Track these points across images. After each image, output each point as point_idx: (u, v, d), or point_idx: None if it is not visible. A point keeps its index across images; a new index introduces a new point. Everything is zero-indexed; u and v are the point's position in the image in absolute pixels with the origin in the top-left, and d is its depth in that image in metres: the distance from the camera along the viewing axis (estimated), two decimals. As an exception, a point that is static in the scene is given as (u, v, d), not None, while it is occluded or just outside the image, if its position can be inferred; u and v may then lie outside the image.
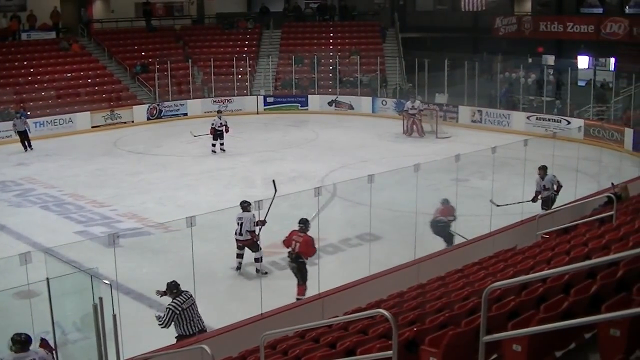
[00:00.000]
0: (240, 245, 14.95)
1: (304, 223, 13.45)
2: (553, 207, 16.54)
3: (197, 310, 10.86)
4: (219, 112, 28.41)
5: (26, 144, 27.69)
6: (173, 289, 10.87)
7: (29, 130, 28.02)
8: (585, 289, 6.90)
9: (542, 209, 16.69)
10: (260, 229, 14.67)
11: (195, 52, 38.58)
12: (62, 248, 13.54)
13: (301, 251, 13.32)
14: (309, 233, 13.33)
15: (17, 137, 27.88)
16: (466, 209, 17.67)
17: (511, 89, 32.38)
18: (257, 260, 14.89)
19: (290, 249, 13.47)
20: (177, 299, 10.77)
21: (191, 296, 10.82)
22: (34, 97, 32.41)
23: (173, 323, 10.78)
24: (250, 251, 14.88)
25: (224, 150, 26.84)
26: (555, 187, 17.08)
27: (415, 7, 45.10)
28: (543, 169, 16.97)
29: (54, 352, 9.41)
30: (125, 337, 9.56)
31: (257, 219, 14.52)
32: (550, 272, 6.97)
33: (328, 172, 23.32)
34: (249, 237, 14.75)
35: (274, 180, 15.22)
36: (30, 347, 8.79)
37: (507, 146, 17.91)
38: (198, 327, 10.82)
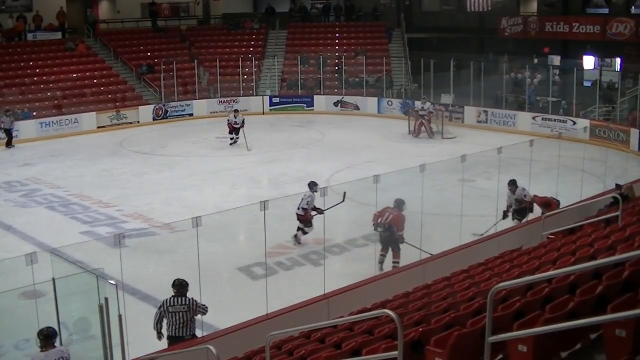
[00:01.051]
0: (298, 219, 16.44)
1: (399, 203, 14.89)
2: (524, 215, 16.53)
3: (189, 318, 10.52)
4: (236, 111, 28.91)
5: (8, 140, 28.24)
6: (175, 286, 10.70)
7: (13, 129, 28.43)
8: (591, 289, 6.88)
9: (515, 219, 16.62)
10: (315, 214, 16.09)
11: (201, 53, 38.64)
12: (68, 248, 13.57)
13: (393, 223, 14.59)
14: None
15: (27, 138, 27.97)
16: (472, 209, 17.65)
17: (536, 89, 31.88)
18: (300, 229, 16.45)
19: (380, 220, 14.66)
20: (171, 298, 10.63)
21: (189, 304, 10.52)
22: (40, 97, 32.48)
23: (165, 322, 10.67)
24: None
25: (232, 144, 27.74)
26: (527, 199, 16.88)
27: (421, 7, 45.05)
28: (513, 184, 16.81)
29: None
30: (131, 337, 9.58)
31: (314, 203, 16.21)
32: (555, 272, 6.96)
33: (334, 173, 23.31)
34: (302, 213, 16.26)
35: (345, 192, 16.11)
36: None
37: (512, 146, 17.89)
38: (188, 333, 10.57)
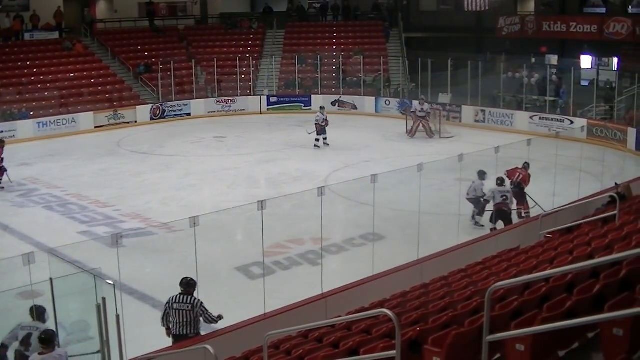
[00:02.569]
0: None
1: (526, 164, 17.73)
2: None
3: (193, 318, 10.54)
4: (321, 108, 28.98)
5: None
6: (182, 285, 10.69)
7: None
8: (589, 288, 6.89)
9: (495, 222, 16.83)
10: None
11: (199, 52, 38.61)
12: (66, 248, 13.55)
13: (522, 180, 17.43)
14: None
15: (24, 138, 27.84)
16: (470, 209, 17.70)
17: (567, 90, 31.25)
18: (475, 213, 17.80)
19: (513, 179, 17.45)
20: (178, 296, 10.66)
21: (193, 303, 10.56)
22: (37, 97, 32.43)
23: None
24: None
25: (327, 144, 27.58)
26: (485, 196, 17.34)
27: (418, 7, 45.09)
28: (481, 174, 17.71)
29: None
30: (129, 337, 9.57)
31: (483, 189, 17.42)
32: (553, 271, 6.98)
33: (332, 172, 23.33)
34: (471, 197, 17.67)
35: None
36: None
37: (510, 146, 17.92)
38: (191, 332, 10.60)
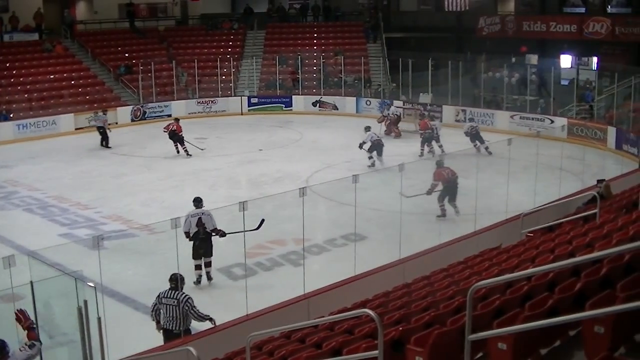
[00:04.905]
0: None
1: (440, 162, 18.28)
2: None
3: (180, 314, 10.67)
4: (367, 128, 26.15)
5: None
6: (170, 280, 10.85)
7: None
8: (570, 286, 6.93)
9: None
10: (215, 235, 14.57)
11: (179, 53, 38.50)
12: (47, 251, 13.47)
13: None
14: None
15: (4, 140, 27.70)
16: (451, 208, 17.75)
17: (592, 94, 30.63)
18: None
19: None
20: (166, 291, 10.80)
21: (178, 297, 10.68)
22: (17, 99, 32.17)
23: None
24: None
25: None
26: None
27: (399, 7, 45.16)
28: (367, 128, 24.56)
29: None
30: (111, 339, 9.52)
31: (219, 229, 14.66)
32: (534, 270, 6.98)
33: (313, 173, 23.32)
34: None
35: (262, 220, 14.91)
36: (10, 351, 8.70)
37: (491, 145, 17.97)
38: (177, 328, 10.75)
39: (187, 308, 10.68)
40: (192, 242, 14.26)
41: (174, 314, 10.69)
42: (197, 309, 10.77)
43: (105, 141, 28.43)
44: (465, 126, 26.61)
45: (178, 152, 26.44)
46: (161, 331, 10.98)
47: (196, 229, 14.28)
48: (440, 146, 25.38)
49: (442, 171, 17.85)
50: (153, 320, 11.02)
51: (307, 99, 35.96)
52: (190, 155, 26.22)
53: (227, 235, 14.37)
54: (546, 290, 7.20)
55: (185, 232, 14.05)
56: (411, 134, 29.61)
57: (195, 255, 14.38)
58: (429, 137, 25.57)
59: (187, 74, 36.86)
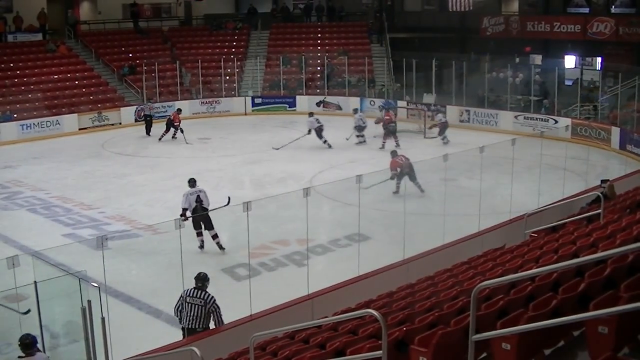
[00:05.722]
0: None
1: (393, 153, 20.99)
2: None
3: (205, 313, 10.74)
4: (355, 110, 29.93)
5: None
6: (195, 279, 10.92)
7: None
8: (574, 287, 6.92)
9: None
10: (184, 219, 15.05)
11: (183, 54, 38.52)
12: (50, 251, 13.49)
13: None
14: None
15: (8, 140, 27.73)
16: (455, 208, 17.71)
17: (605, 96, 30.15)
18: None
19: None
20: (191, 290, 10.84)
21: (205, 298, 10.74)
22: (21, 99, 32.19)
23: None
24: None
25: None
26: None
27: (403, 7, 45.15)
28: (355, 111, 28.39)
29: None
30: (114, 340, 9.55)
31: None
32: (538, 270, 6.98)
33: (317, 173, 23.31)
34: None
35: (229, 197, 16.76)
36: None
37: (495, 145, 17.95)
38: (200, 326, 10.80)
39: (213, 309, 10.75)
40: (193, 226, 15.78)
41: (199, 313, 10.73)
42: (220, 311, 10.82)
43: (148, 129, 30.52)
44: (437, 117, 28.97)
45: (161, 137, 29.14)
46: (183, 329, 10.99)
47: (195, 205, 16.01)
48: (396, 142, 26.96)
49: (397, 159, 20.42)
50: (176, 316, 11.07)
51: (311, 99, 35.95)
52: (175, 138, 28.94)
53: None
54: (550, 291, 7.20)
55: (184, 209, 15.89)
56: (415, 134, 29.64)
57: (197, 226, 15.99)
58: (392, 130, 27.42)
59: (190, 74, 36.88)
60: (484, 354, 6.55)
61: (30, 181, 23.23)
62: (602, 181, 15.76)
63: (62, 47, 36.06)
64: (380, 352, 6.12)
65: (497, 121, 30.89)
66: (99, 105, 33.13)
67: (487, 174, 17.49)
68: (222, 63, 36.73)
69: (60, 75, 34.58)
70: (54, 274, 10.17)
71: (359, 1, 44.65)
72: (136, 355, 9.87)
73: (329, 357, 7.43)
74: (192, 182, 16.47)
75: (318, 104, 35.76)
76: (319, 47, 39.79)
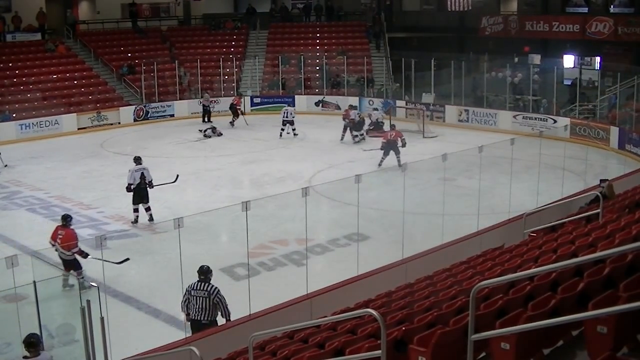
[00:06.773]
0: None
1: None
2: None
3: (210, 305, 10.93)
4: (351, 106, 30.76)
5: None
6: (199, 272, 11.11)
7: None
8: (572, 286, 6.92)
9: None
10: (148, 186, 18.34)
11: (182, 53, 38.52)
12: (49, 251, 13.50)
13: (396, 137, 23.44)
14: None
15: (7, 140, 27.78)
16: (453, 208, 17.72)
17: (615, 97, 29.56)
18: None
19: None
20: (195, 283, 11.01)
21: (208, 289, 10.94)
22: (20, 99, 32.18)
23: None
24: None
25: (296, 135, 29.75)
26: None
27: (401, 7, 45.15)
28: (352, 107, 28.49)
29: None
30: (113, 339, 9.54)
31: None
32: (537, 270, 6.97)
33: (315, 173, 23.31)
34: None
35: (177, 175, 20.04)
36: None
37: (493, 145, 17.97)
38: (206, 318, 10.97)
39: (217, 299, 10.94)
40: (133, 194, 18.23)
41: (204, 305, 10.92)
42: (225, 302, 11.02)
43: (207, 117, 33.08)
44: (374, 115, 30.18)
45: (232, 121, 32.03)
46: (189, 323, 11.16)
47: (139, 181, 18.07)
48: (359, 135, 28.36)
49: (388, 133, 23.99)
50: (183, 311, 11.19)
51: (309, 98, 35.97)
52: (232, 124, 32.04)
53: (155, 186, 18.47)
54: (549, 290, 7.20)
55: (129, 184, 18.15)
56: (414, 134, 29.63)
57: (136, 201, 18.19)
58: (348, 125, 28.37)
59: (189, 74, 36.88)
60: (483, 354, 6.56)
61: (29, 181, 23.22)
62: (601, 181, 15.75)
63: (60, 47, 36.04)
64: (379, 351, 6.12)
65: (496, 121, 30.90)
66: (98, 105, 33.12)
67: (486, 174, 17.51)
68: (221, 63, 36.76)
69: (59, 75, 34.57)
70: (53, 274, 10.19)
71: (358, 1, 44.69)
72: (135, 355, 9.87)
73: (328, 356, 7.43)
74: (137, 160, 18.68)
75: (317, 104, 35.77)
76: (317, 47, 39.78)
